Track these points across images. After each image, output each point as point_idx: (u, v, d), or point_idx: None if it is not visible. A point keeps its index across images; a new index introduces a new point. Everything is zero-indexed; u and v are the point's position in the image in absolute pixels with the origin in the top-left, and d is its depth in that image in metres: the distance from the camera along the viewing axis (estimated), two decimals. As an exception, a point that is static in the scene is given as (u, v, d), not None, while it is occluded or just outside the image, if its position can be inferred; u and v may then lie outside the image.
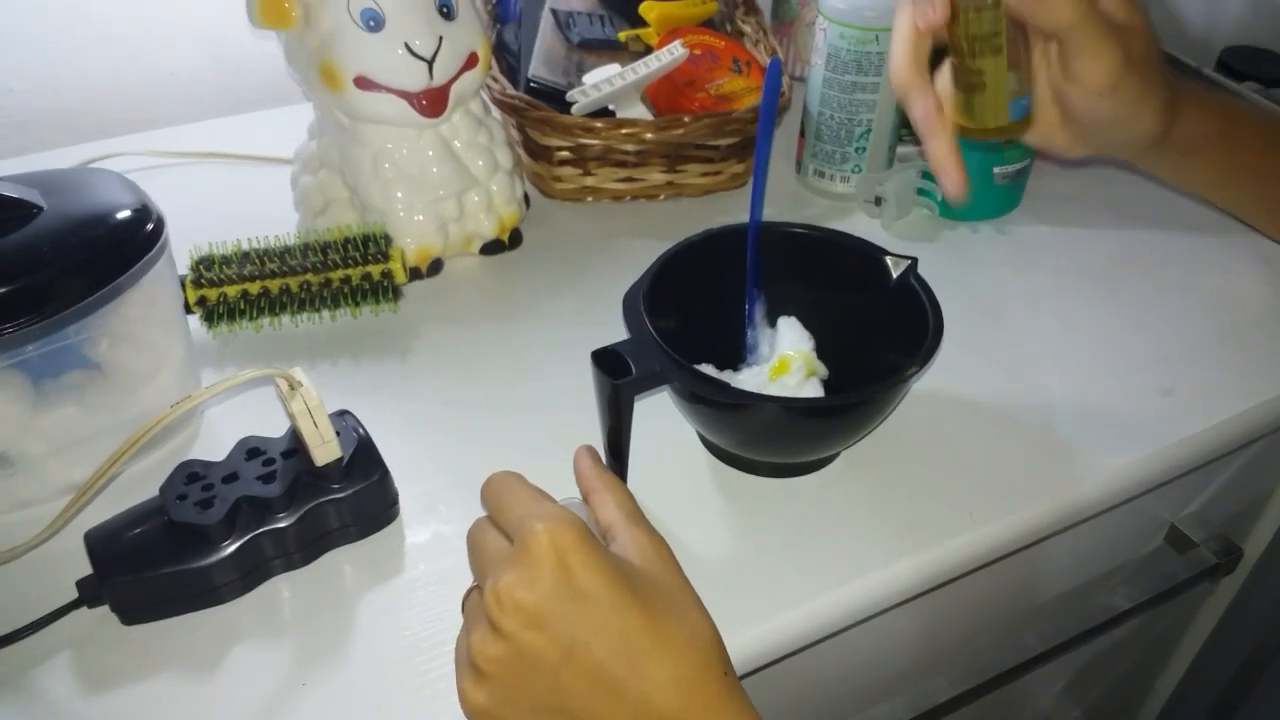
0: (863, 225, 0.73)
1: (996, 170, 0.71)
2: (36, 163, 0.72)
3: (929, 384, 0.58)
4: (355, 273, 0.61)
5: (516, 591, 0.37)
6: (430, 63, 0.60)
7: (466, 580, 0.47)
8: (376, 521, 0.49)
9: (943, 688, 0.64)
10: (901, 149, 0.77)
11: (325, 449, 0.47)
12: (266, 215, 0.67)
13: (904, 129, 0.76)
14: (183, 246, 0.58)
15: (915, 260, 0.53)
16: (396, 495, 0.50)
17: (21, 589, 0.46)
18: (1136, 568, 0.73)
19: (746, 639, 0.46)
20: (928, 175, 0.73)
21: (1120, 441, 0.56)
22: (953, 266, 0.69)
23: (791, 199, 0.76)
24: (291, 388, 0.46)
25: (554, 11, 0.76)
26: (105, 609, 0.45)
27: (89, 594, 0.44)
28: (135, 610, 0.45)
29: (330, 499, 0.47)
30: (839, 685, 0.61)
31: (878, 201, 0.73)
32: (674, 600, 0.39)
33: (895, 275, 0.53)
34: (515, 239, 0.70)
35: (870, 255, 0.54)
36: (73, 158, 0.75)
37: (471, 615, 0.40)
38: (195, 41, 0.85)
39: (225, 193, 0.76)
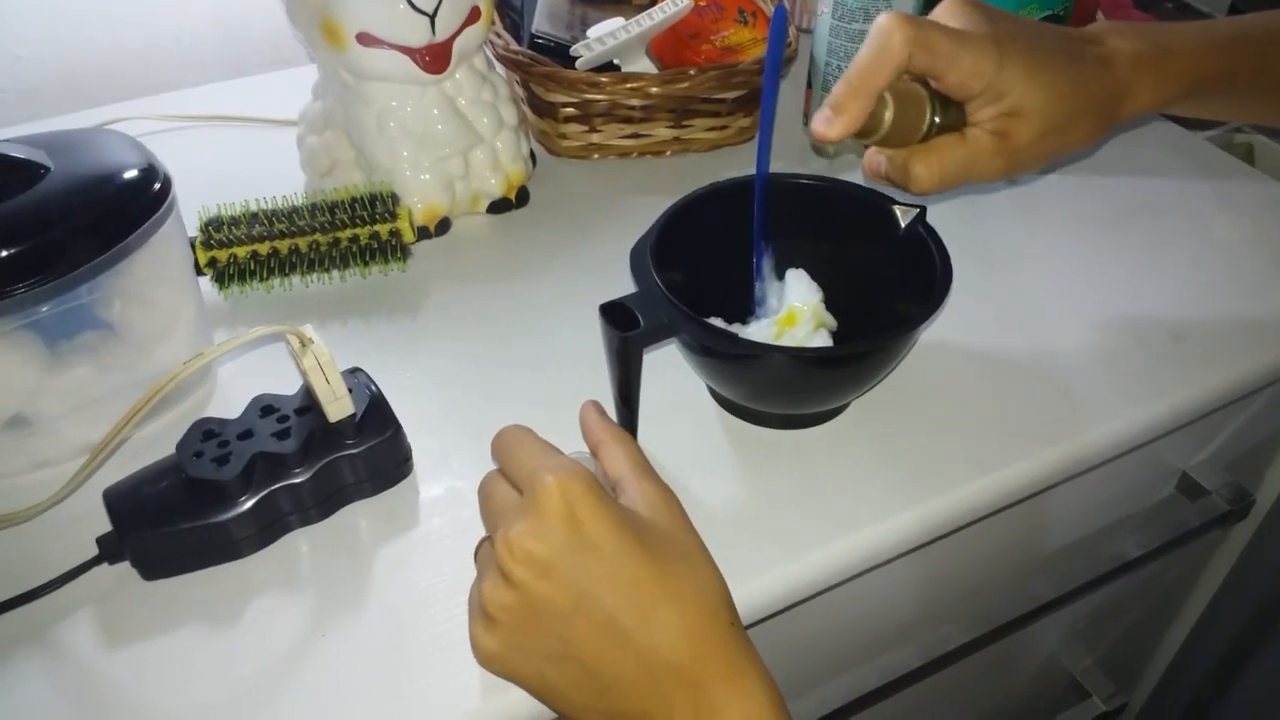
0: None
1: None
2: (44, 128, 0.72)
3: (938, 333, 0.58)
4: (363, 232, 0.61)
5: (526, 541, 0.37)
6: (432, 17, 0.59)
7: (480, 533, 0.48)
8: (390, 476, 0.50)
9: (953, 635, 0.64)
10: (910, 99, 0.76)
11: (338, 405, 0.47)
12: (274, 177, 0.67)
13: (912, 79, 0.76)
14: (191, 209, 0.58)
15: (924, 209, 0.52)
16: (410, 450, 0.50)
17: (42, 547, 0.47)
18: (1147, 515, 0.73)
19: (756, 588, 0.46)
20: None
21: (1131, 388, 0.56)
22: (962, 216, 0.68)
23: (799, 152, 0.76)
24: (303, 345, 0.46)
25: (557, -35, 0.76)
26: (125, 565, 0.46)
27: (109, 550, 0.45)
28: (155, 565, 0.46)
29: (344, 454, 0.47)
30: (849, 633, 0.61)
31: (886, 153, 0.73)
32: (682, 551, 0.40)
33: (904, 224, 0.53)
34: (522, 197, 0.70)
35: (878, 205, 0.54)
36: (80, 123, 0.75)
37: (483, 564, 0.41)
38: (199, 4, 0.85)
39: (232, 155, 0.75)
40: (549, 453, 0.41)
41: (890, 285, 0.53)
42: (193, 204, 0.58)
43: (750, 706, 0.37)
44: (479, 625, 0.39)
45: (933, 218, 0.53)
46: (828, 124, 0.47)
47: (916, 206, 0.53)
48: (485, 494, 0.43)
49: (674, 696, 0.37)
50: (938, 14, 0.49)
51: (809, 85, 0.76)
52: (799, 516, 0.49)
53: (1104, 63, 0.50)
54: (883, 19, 0.46)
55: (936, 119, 0.48)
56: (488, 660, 0.39)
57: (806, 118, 0.77)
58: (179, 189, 0.52)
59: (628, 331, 0.46)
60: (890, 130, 0.48)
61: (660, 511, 0.41)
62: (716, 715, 0.37)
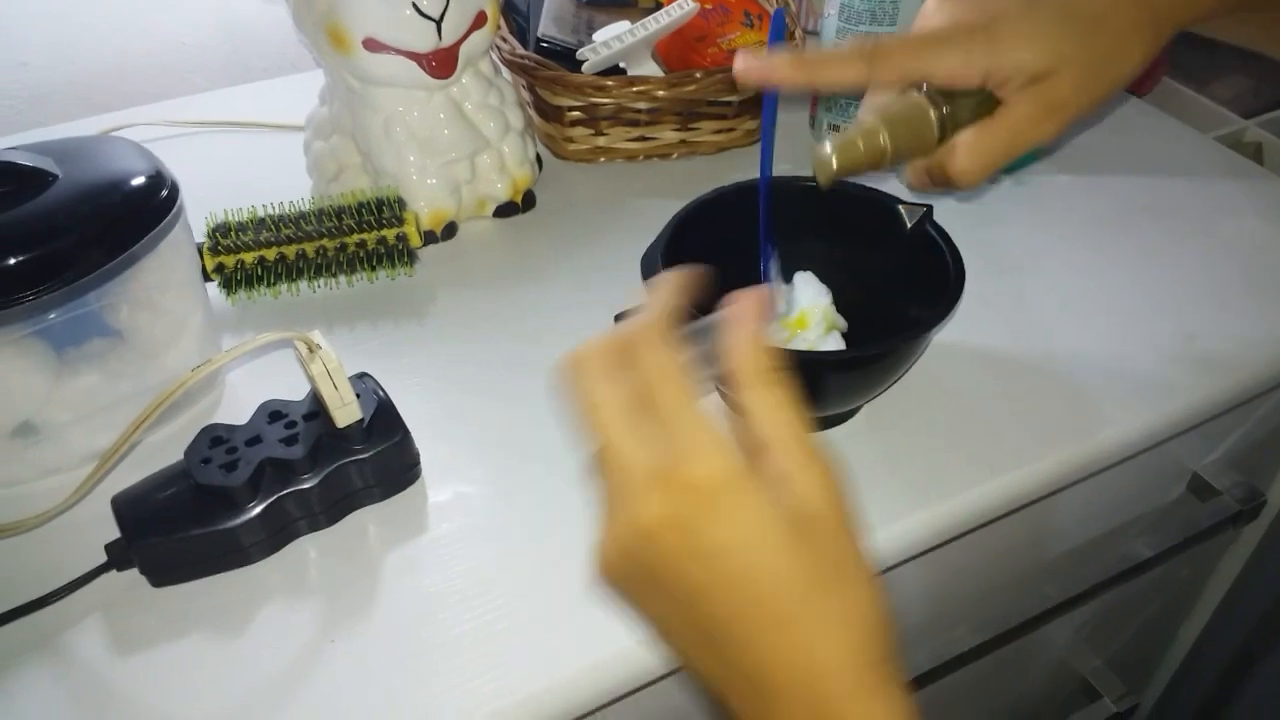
0: (878, 178, 0.72)
1: (1014, 119, 0.70)
2: (52, 135, 0.72)
3: (949, 335, 0.57)
4: (370, 237, 0.61)
5: (671, 507, 0.32)
6: (438, 22, 0.59)
7: (490, 539, 0.48)
8: (399, 482, 0.50)
9: (964, 637, 0.64)
10: (917, 100, 0.76)
11: (346, 410, 0.47)
12: (281, 182, 0.67)
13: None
14: (199, 215, 0.58)
15: (930, 207, 0.52)
16: (418, 455, 0.50)
17: (50, 554, 0.47)
18: (1158, 516, 0.73)
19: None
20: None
21: (1142, 389, 0.55)
22: (970, 218, 0.68)
23: (807, 155, 0.75)
24: (310, 351, 0.46)
25: (562, -31, 0.76)
26: (134, 572, 0.46)
27: (118, 557, 0.45)
28: (164, 572, 0.46)
29: (352, 460, 0.47)
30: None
31: (893, 154, 0.72)
32: (839, 560, 0.33)
33: (910, 223, 0.53)
34: (529, 201, 0.70)
35: (883, 204, 0.54)
36: (87, 129, 0.75)
37: (641, 479, 0.34)
38: (205, 10, 0.85)
39: (239, 161, 0.76)
40: (699, 420, 0.33)
41: (900, 285, 0.53)
42: (200, 210, 0.58)
43: None
44: (620, 541, 0.34)
45: (941, 220, 0.52)
46: (745, 64, 0.45)
47: (923, 205, 0.53)
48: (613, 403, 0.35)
49: (789, 711, 0.33)
50: (919, 17, 0.48)
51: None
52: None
53: None
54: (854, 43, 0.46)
55: (946, 114, 0.47)
56: (603, 576, 0.35)
57: (813, 120, 0.77)
58: (186, 195, 0.52)
59: None
60: (896, 150, 0.46)
61: (822, 506, 0.33)
62: None
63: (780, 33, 0.49)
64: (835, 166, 0.46)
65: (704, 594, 0.33)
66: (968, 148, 0.47)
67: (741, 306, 0.36)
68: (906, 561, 0.50)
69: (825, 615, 0.33)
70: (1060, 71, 0.45)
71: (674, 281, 0.38)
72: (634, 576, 0.35)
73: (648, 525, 0.33)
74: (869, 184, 0.55)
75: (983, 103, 0.47)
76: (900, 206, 0.53)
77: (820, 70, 0.46)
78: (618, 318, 0.46)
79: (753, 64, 0.46)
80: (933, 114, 0.47)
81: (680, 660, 0.36)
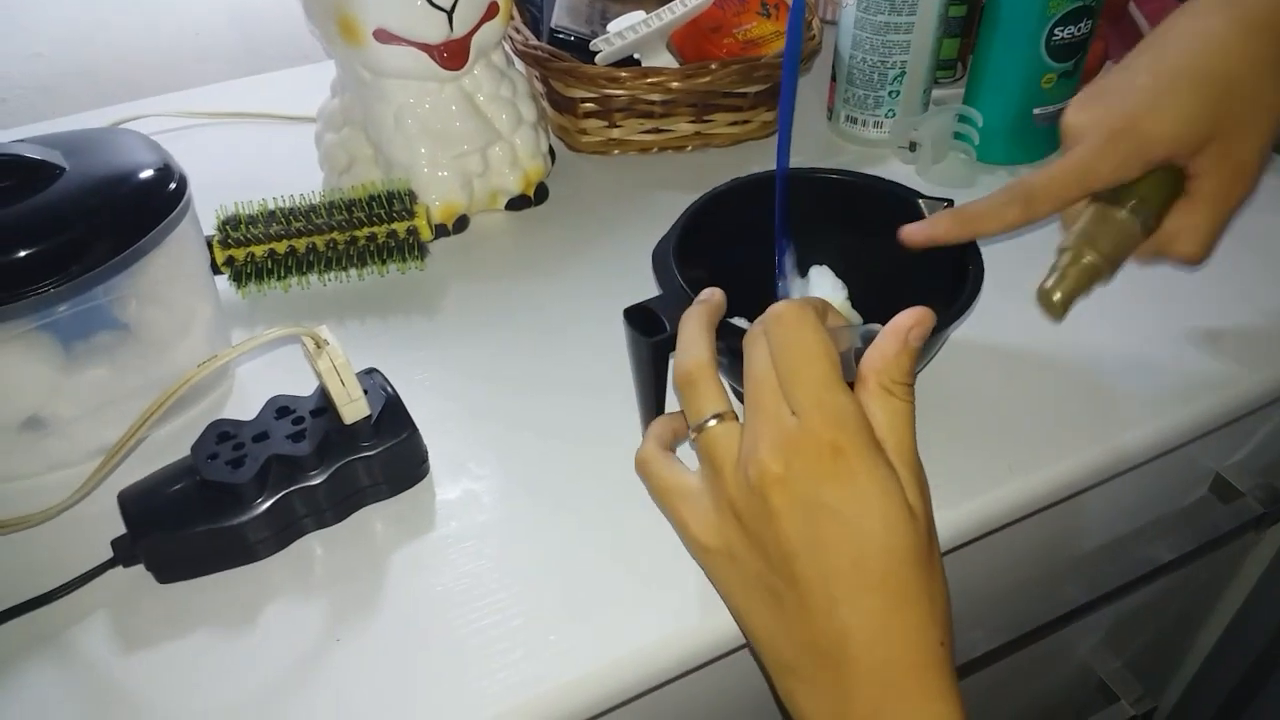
0: (897, 171, 0.71)
1: (1036, 111, 0.69)
2: (61, 126, 0.72)
3: (967, 332, 0.56)
4: (381, 230, 0.60)
5: (790, 483, 0.35)
6: (450, 13, 0.59)
7: (499, 538, 0.47)
8: (407, 479, 0.49)
9: (981, 641, 0.63)
10: (937, 92, 0.75)
11: (353, 407, 0.46)
12: (292, 174, 0.67)
13: (940, 71, 0.74)
14: (209, 207, 0.57)
15: (950, 202, 0.51)
16: (426, 453, 0.50)
17: (56, 549, 0.47)
18: (1180, 518, 0.71)
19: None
20: (964, 118, 0.71)
21: (1165, 389, 0.54)
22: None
23: (823, 146, 0.75)
24: (318, 346, 0.46)
25: (576, -41, 0.75)
26: (140, 568, 0.45)
27: (124, 553, 0.45)
28: (170, 568, 0.45)
29: (360, 457, 0.47)
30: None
31: (912, 147, 0.71)
32: (926, 557, 0.35)
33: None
34: (541, 194, 0.69)
35: (903, 199, 0.53)
36: (97, 120, 0.75)
37: (749, 444, 0.37)
38: (217, 1, 0.84)
39: (250, 153, 0.75)
40: (839, 392, 0.36)
41: (917, 281, 0.52)
42: (210, 202, 0.58)
43: None
44: (715, 512, 0.38)
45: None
46: (909, 231, 0.48)
47: (943, 200, 0.52)
48: (756, 376, 0.38)
49: (856, 686, 0.34)
50: (1063, 131, 0.48)
51: (833, 78, 0.74)
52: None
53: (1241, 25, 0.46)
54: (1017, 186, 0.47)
55: (1150, 224, 0.47)
56: (700, 541, 0.39)
57: (831, 112, 0.76)
58: (196, 187, 0.51)
59: (653, 336, 0.45)
60: (1111, 263, 0.47)
61: (919, 504, 0.36)
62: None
63: (799, 22, 0.48)
64: (1060, 303, 0.47)
65: (800, 553, 0.35)
66: (1185, 236, 0.48)
67: (909, 315, 0.38)
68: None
69: (918, 597, 0.34)
70: (1223, 133, 0.45)
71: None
72: (732, 538, 0.37)
73: (762, 481, 0.35)
74: (887, 177, 0.54)
75: (1171, 181, 0.47)
76: (920, 200, 0.52)
77: (982, 223, 0.47)
78: (626, 312, 0.45)
79: (916, 230, 0.48)
80: (1131, 218, 0.47)
81: (753, 633, 0.38)
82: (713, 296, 0.44)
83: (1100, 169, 0.46)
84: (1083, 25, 0.66)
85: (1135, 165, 0.46)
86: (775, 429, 0.36)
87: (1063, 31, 0.65)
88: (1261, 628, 0.89)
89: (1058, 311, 0.47)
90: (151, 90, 0.82)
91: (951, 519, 0.48)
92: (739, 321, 0.51)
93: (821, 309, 0.40)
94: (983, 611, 0.65)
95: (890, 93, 0.71)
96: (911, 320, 0.37)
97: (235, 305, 0.61)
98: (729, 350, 0.48)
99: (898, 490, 0.35)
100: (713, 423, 0.39)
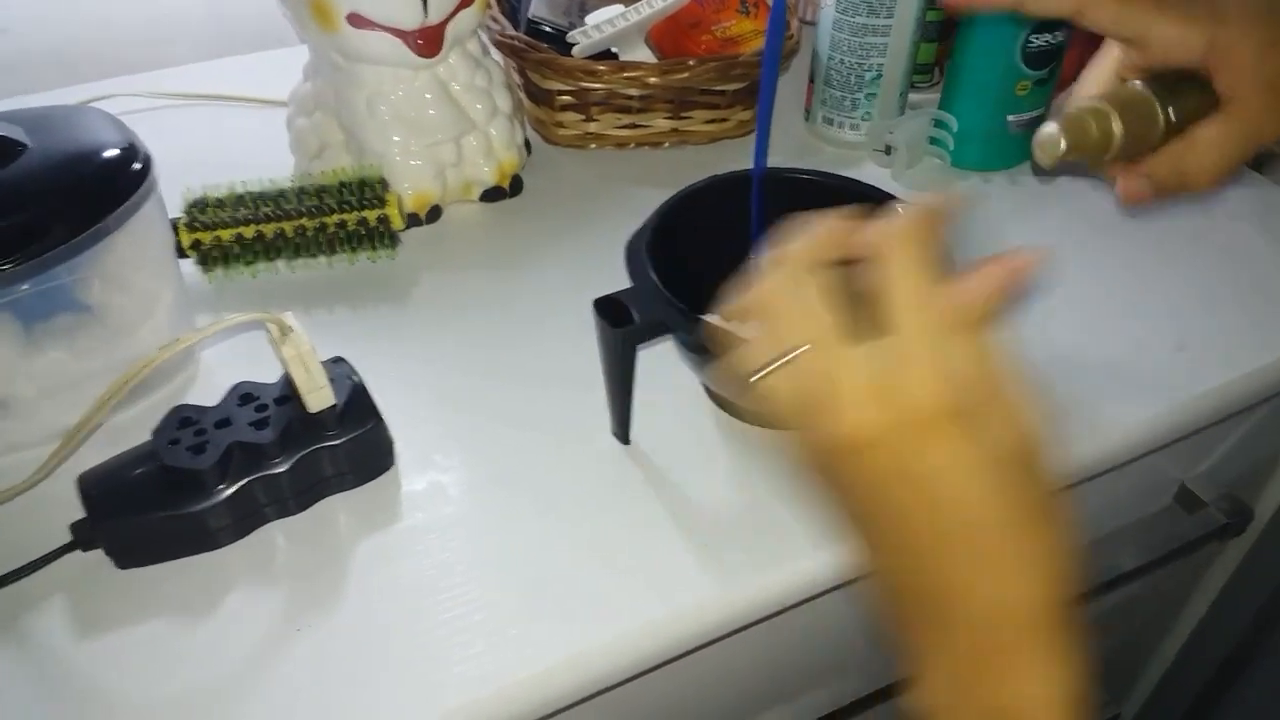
0: (872, 174, 0.71)
1: (1010, 118, 0.69)
2: (28, 104, 0.71)
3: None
4: (351, 218, 0.59)
5: (896, 399, 0.32)
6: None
7: (465, 531, 0.47)
8: (372, 469, 0.49)
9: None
10: (913, 96, 0.75)
11: (318, 395, 0.46)
12: (262, 158, 0.66)
13: (916, 75, 0.74)
14: (177, 189, 0.57)
15: (925, 207, 0.51)
16: (392, 443, 0.49)
17: (13, 532, 0.46)
18: (1144, 526, 0.72)
19: (753, 588, 0.45)
20: (940, 124, 0.71)
21: (1131, 397, 0.54)
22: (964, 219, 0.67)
23: (800, 147, 0.75)
24: (283, 333, 0.45)
25: (557, -50, 0.74)
26: (99, 553, 0.44)
27: (83, 537, 0.44)
28: (129, 554, 0.44)
29: (324, 446, 0.46)
30: (848, 635, 0.60)
31: (888, 150, 0.72)
32: (1040, 511, 0.33)
33: (904, 222, 0.52)
34: (516, 186, 0.68)
35: (879, 200, 0.53)
36: (65, 99, 0.73)
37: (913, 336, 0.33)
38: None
39: (220, 135, 0.74)
40: (934, 343, 0.32)
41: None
42: (179, 184, 0.57)
43: (1045, 691, 0.32)
44: (812, 443, 0.34)
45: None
46: None
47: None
48: (897, 272, 0.33)
49: (957, 641, 0.33)
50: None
51: (811, 79, 0.74)
52: (795, 519, 0.48)
53: None
54: None
55: (1171, 115, 0.44)
56: (802, 469, 0.35)
57: (808, 113, 0.76)
58: (164, 169, 0.50)
59: (622, 328, 0.45)
60: (1126, 139, 0.43)
61: (1024, 446, 0.33)
62: (1000, 679, 0.33)
63: (780, 22, 0.48)
64: (1063, 147, 0.43)
65: (907, 516, 0.33)
66: (1210, 143, 0.44)
67: (1009, 259, 0.34)
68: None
69: (1019, 556, 0.32)
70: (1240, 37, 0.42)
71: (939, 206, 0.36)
72: (833, 481, 0.34)
73: (856, 441, 0.32)
74: (865, 180, 0.54)
75: (1202, 101, 0.44)
76: (897, 204, 0.52)
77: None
78: (596, 303, 0.45)
79: None
80: (1159, 105, 0.43)
81: (866, 567, 0.36)
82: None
83: (1168, 23, 0.42)
84: (1059, 33, 0.66)
85: (1198, 42, 0.42)
86: (869, 383, 0.32)
87: (1039, 39, 0.65)
88: (1224, 636, 0.91)
89: (1051, 159, 0.43)
90: (121, 70, 0.81)
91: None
92: (713, 319, 0.51)
93: (929, 227, 0.35)
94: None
95: (867, 95, 0.71)
96: (1011, 263, 0.34)
97: (202, 290, 0.60)
98: (696, 345, 0.48)
99: (987, 449, 0.32)
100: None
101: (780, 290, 0.35)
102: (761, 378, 0.35)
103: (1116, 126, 0.43)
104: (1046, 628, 0.33)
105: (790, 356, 0.34)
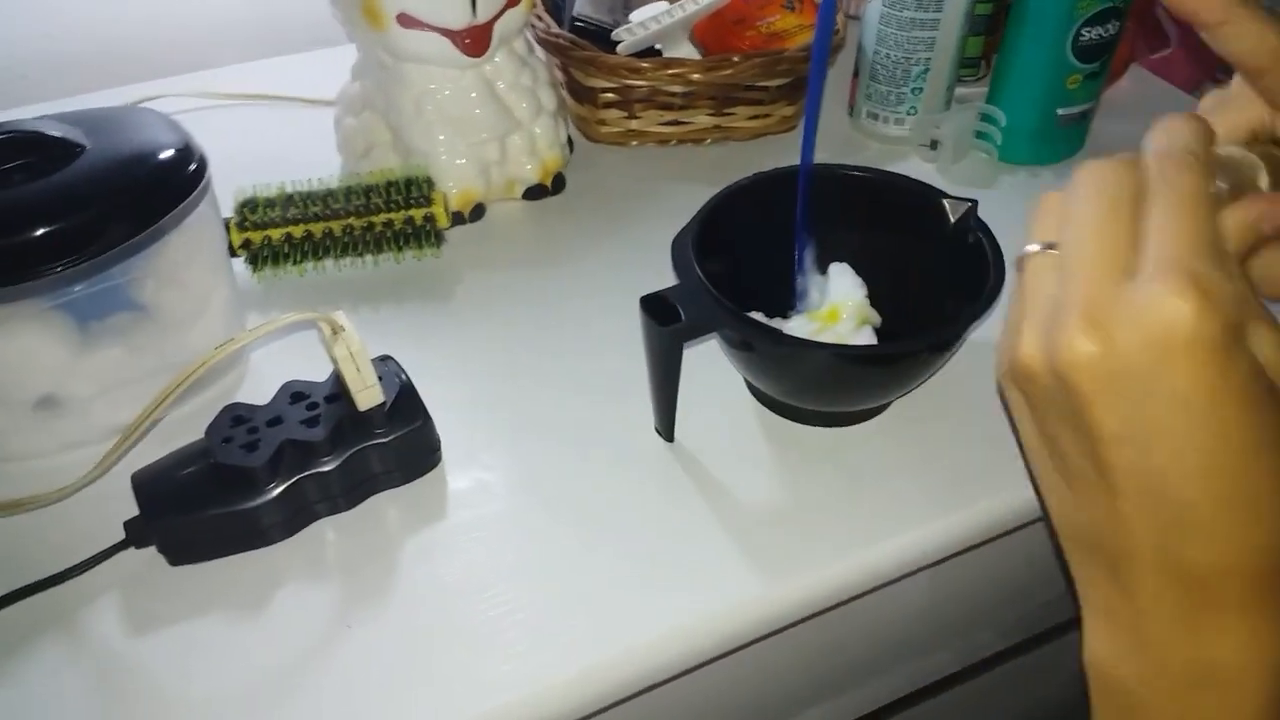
0: (917, 169, 0.71)
1: (1060, 112, 0.68)
2: (82, 104, 0.72)
3: (986, 332, 0.56)
4: (398, 217, 0.60)
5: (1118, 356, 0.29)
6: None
7: (509, 528, 0.47)
8: (419, 467, 0.49)
9: (991, 641, 0.63)
10: (960, 90, 0.74)
11: (367, 394, 0.46)
12: (310, 158, 0.67)
13: (963, 69, 0.74)
14: (227, 189, 0.57)
15: (975, 203, 0.51)
16: (439, 441, 0.49)
17: (70, 529, 0.47)
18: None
19: (792, 589, 0.45)
20: (987, 117, 0.70)
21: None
22: (1011, 212, 0.66)
23: (843, 142, 0.74)
24: (334, 332, 0.45)
25: (600, -53, 0.74)
26: (152, 550, 0.45)
27: (136, 535, 0.45)
28: (182, 551, 0.45)
29: (373, 444, 0.46)
30: (884, 635, 0.60)
31: (933, 145, 0.71)
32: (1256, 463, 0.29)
33: (954, 219, 0.51)
34: (558, 183, 0.69)
35: (927, 198, 0.52)
36: (116, 100, 0.75)
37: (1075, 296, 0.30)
38: (237, -18, 0.84)
39: (269, 135, 0.75)
40: (1192, 255, 0.29)
41: (939, 281, 0.51)
42: (228, 184, 0.57)
43: (1258, 656, 0.30)
44: (1023, 349, 0.32)
45: (981, 214, 0.51)
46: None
47: (968, 200, 0.51)
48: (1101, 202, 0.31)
49: (1140, 583, 0.31)
50: None
51: (855, 74, 0.74)
52: (838, 518, 0.48)
53: None
54: None
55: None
56: (1007, 381, 0.33)
57: (852, 108, 0.75)
58: (214, 169, 0.51)
59: (669, 325, 0.45)
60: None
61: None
62: (1213, 638, 0.30)
63: (830, 17, 0.47)
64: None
65: (1111, 442, 0.30)
66: None
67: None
68: (941, 562, 0.49)
69: (1244, 503, 0.29)
70: None
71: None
72: (1035, 396, 0.32)
73: (1070, 360, 0.30)
74: (908, 175, 0.54)
75: None
76: (945, 200, 0.51)
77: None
78: (643, 300, 0.45)
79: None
80: (1254, 157, 0.36)
81: (1043, 495, 0.34)
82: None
83: None
84: (1110, 26, 0.65)
85: None
86: (1098, 295, 0.30)
87: (1090, 32, 0.64)
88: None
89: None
90: (168, 72, 0.82)
91: (969, 518, 0.48)
92: (758, 315, 0.51)
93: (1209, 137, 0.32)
94: (997, 610, 0.65)
95: (913, 89, 0.71)
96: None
97: (250, 288, 0.60)
98: (742, 343, 0.47)
99: (1234, 375, 0.28)
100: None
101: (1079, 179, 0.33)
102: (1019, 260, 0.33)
103: (1264, 182, 0.35)
104: (1265, 599, 0.30)
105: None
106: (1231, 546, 0.30)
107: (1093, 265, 0.30)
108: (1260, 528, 0.29)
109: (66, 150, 0.47)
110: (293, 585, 0.45)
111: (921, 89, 0.71)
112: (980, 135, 0.71)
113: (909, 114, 0.72)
